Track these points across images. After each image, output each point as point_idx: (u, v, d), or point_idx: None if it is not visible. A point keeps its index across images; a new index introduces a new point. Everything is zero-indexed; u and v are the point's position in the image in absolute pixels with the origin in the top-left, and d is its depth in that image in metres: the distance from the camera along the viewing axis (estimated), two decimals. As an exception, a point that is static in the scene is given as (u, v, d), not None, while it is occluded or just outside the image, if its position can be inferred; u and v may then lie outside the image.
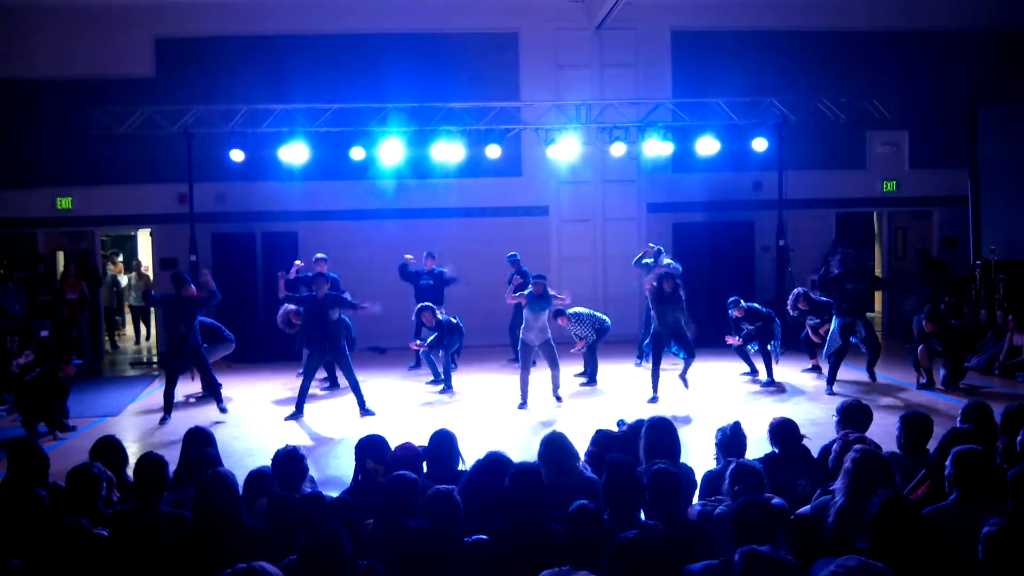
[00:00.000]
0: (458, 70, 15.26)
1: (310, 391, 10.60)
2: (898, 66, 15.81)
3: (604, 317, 12.06)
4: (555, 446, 5.11)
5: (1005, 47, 15.93)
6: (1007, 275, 14.08)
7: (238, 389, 11.91)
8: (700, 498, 5.12)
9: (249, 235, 15.02)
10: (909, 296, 15.74)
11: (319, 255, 12.12)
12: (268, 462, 4.91)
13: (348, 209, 15.26)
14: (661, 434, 5.22)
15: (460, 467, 5.38)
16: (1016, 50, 15.85)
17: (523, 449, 7.82)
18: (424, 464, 5.22)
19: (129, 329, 18.50)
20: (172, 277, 10.88)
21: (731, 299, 12.03)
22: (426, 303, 11.86)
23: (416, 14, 15.07)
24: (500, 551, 4.16)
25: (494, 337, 13.68)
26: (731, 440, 5.32)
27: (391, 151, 13.35)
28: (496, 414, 10.34)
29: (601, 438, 5.73)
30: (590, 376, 11.89)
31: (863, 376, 11.71)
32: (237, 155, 13.15)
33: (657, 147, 13.69)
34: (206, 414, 10.48)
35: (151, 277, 16.71)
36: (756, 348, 11.85)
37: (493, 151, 13.45)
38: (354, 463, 5.27)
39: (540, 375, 10.98)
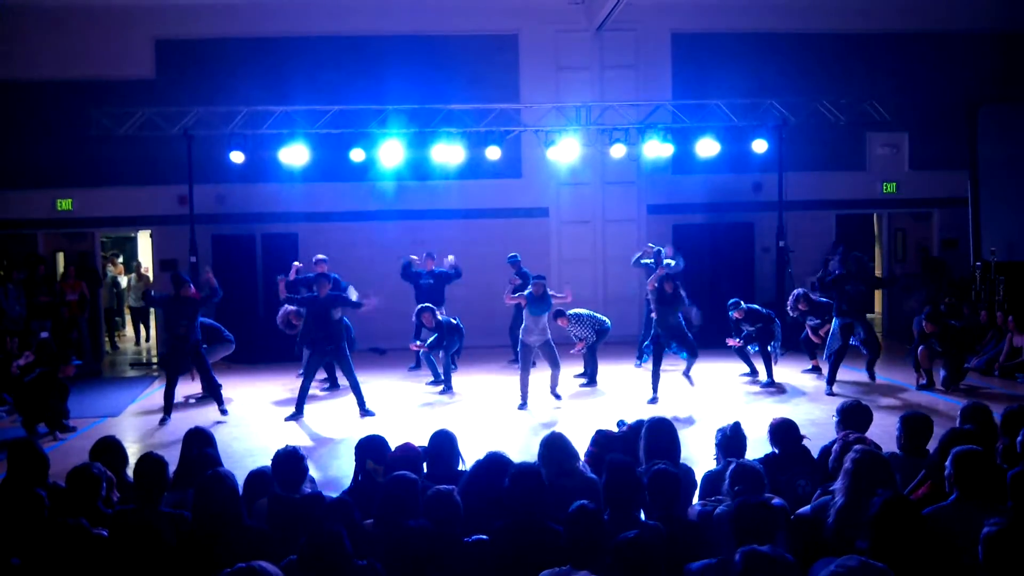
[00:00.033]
0: (458, 72, 15.27)
1: (310, 392, 10.60)
2: (898, 67, 15.81)
3: (604, 318, 12.06)
4: (555, 446, 5.11)
5: (1005, 48, 15.94)
6: (1007, 276, 14.09)
7: (238, 390, 11.91)
8: (700, 498, 5.11)
9: (249, 236, 15.02)
10: (909, 297, 15.74)
11: (319, 256, 12.12)
12: (268, 462, 4.91)
13: (348, 211, 15.26)
14: (661, 434, 5.22)
15: (460, 467, 5.38)
16: (1016, 51, 15.85)
17: (523, 449, 7.82)
18: (424, 464, 5.22)
19: (129, 330, 18.51)
20: (171, 277, 10.89)
21: (731, 301, 12.03)
22: (426, 304, 11.87)
23: (416, 16, 15.08)
24: (500, 551, 4.16)
25: (494, 338, 13.68)
26: (731, 440, 5.32)
27: (391, 153, 13.36)
28: (496, 415, 10.34)
29: (601, 438, 5.73)
30: (590, 377, 11.89)
31: (863, 376, 11.71)
32: (237, 156, 13.16)
33: (657, 149, 13.70)
34: (206, 415, 10.48)
35: (151, 278, 16.72)
36: (756, 349, 11.86)
37: (493, 153, 13.46)
38: (354, 463, 5.27)
39: (540, 376, 10.99)
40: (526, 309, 10.69)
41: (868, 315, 12.06)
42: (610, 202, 15.94)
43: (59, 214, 15.15)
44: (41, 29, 14.64)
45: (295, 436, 9.33)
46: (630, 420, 6.20)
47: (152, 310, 16.68)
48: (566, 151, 13.75)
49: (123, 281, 17.89)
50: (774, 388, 11.45)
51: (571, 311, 11.68)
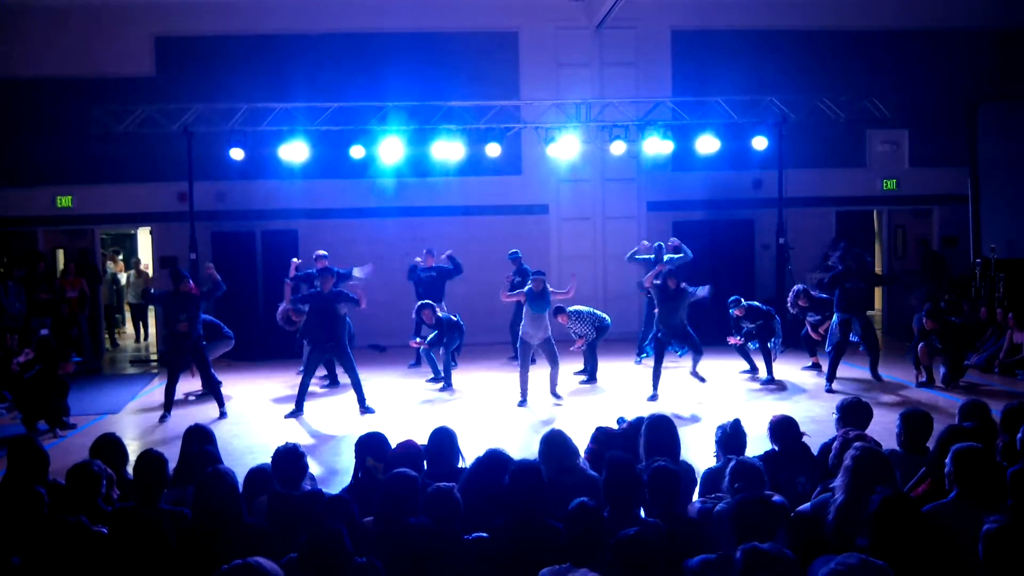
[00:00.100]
0: (458, 69, 15.25)
1: (310, 389, 10.61)
2: (898, 65, 15.79)
3: (604, 315, 12.06)
4: (555, 443, 5.11)
5: (1005, 46, 15.92)
6: (1007, 273, 14.09)
7: (238, 387, 11.92)
8: (700, 495, 5.11)
9: (249, 233, 15.02)
10: (909, 294, 15.75)
11: (320, 252, 12.10)
12: (268, 459, 4.91)
13: (348, 207, 15.25)
14: (661, 431, 5.22)
15: (460, 464, 5.37)
16: (1016, 49, 15.84)
17: (523, 446, 7.82)
18: (424, 462, 5.22)
19: (129, 327, 18.51)
20: (170, 273, 10.90)
21: (732, 298, 12.02)
22: (426, 301, 11.87)
23: (416, 13, 15.05)
24: (500, 548, 4.16)
25: (494, 335, 13.68)
26: (731, 437, 5.32)
27: (391, 149, 13.35)
28: (496, 412, 10.35)
29: (601, 435, 5.74)
30: (590, 374, 11.89)
31: (863, 374, 11.72)
32: (237, 153, 13.15)
33: (657, 145, 13.69)
34: (206, 412, 10.49)
35: (150, 275, 16.71)
36: (756, 346, 11.85)
37: (493, 150, 13.45)
38: (354, 460, 5.27)
39: (540, 373, 10.99)
40: (526, 306, 10.69)
41: (868, 312, 12.06)
42: (610, 199, 15.93)
43: (59, 211, 15.14)
44: (41, 27, 14.62)
45: (295, 433, 9.33)
46: (630, 417, 6.19)
47: (151, 307, 16.67)
48: (566, 148, 13.74)
49: (123, 278, 17.88)
50: (774, 385, 11.45)
51: (571, 308, 11.67)
